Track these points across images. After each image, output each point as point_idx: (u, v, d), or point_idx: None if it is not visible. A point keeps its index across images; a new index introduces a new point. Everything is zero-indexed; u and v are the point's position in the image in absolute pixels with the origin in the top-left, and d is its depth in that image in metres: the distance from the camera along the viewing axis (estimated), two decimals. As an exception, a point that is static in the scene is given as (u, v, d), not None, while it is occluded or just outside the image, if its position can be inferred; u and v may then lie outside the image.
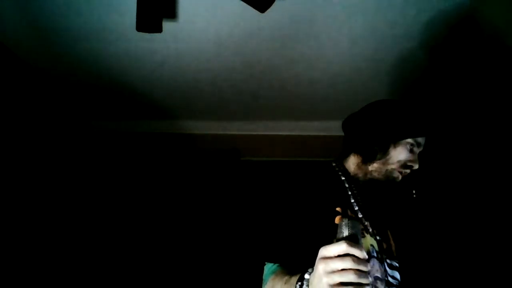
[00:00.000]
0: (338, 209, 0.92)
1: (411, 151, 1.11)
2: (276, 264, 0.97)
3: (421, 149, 1.14)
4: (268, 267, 0.99)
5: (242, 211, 2.36)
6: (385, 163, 1.11)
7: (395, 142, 1.12)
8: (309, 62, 2.02)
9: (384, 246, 1.02)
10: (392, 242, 1.05)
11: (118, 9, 1.63)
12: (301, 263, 0.84)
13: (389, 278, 0.95)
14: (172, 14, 1.65)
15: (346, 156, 1.20)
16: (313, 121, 2.69)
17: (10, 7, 1.63)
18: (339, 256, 0.68)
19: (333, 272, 0.67)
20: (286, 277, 0.86)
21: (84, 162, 2.53)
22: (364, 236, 0.97)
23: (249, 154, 2.66)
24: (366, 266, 0.68)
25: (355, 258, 0.67)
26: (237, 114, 2.61)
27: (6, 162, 1.90)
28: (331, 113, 2.54)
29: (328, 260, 0.68)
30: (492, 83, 2.06)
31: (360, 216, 1.02)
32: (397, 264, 0.99)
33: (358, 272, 0.66)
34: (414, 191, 1.15)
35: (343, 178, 1.12)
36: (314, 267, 0.72)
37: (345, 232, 0.71)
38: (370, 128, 1.14)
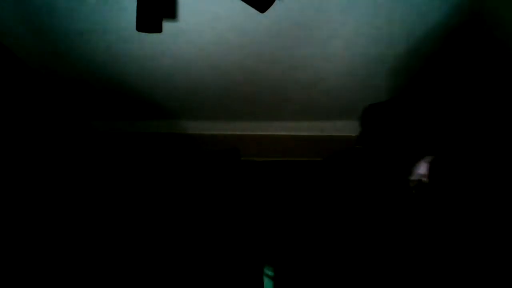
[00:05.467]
0: None
1: None
2: None
3: None
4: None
5: (242, 212, 2.36)
6: None
7: None
8: (309, 62, 2.02)
9: None
10: None
11: (118, 9, 1.63)
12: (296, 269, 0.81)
13: None
14: (172, 14, 1.65)
15: None
16: (313, 121, 2.69)
17: (10, 7, 1.63)
18: None
19: None
20: None
21: (84, 162, 2.53)
22: None
23: (249, 154, 2.67)
24: None
25: None
26: (237, 114, 2.61)
27: (5, 163, 1.90)
28: (330, 113, 2.54)
29: None
30: (492, 82, 2.06)
31: None
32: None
33: None
34: (414, 191, 1.12)
35: None
36: None
37: None
38: None
